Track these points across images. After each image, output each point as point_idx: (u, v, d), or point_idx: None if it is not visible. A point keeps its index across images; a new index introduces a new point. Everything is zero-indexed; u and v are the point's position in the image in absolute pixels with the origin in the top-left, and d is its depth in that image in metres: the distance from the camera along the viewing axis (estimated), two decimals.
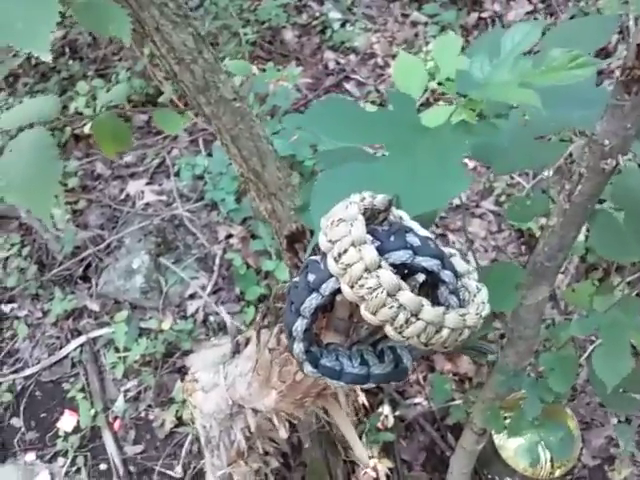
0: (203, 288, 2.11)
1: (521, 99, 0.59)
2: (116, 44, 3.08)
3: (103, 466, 1.90)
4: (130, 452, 1.91)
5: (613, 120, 0.78)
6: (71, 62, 2.92)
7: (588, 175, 0.85)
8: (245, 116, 0.85)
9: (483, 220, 2.35)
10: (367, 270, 0.34)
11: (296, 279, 0.40)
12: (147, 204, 2.34)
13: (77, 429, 1.94)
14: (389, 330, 0.35)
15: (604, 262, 2.08)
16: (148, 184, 2.42)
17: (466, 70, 0.73)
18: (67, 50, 3.11)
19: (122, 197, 2.41)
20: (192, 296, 2.13)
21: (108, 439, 1.92)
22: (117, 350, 2.03)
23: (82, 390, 2.00)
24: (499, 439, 1.71)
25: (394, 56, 2.84)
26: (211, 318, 2.09)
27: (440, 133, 0.65)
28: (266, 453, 1.60)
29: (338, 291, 0.38)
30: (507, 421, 1.38)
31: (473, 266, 0.41)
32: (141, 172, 2.49)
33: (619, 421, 1.91)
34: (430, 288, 0.38)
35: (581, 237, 2.13)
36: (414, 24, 2.93)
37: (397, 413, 1.90)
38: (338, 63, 2.85)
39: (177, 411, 1.90)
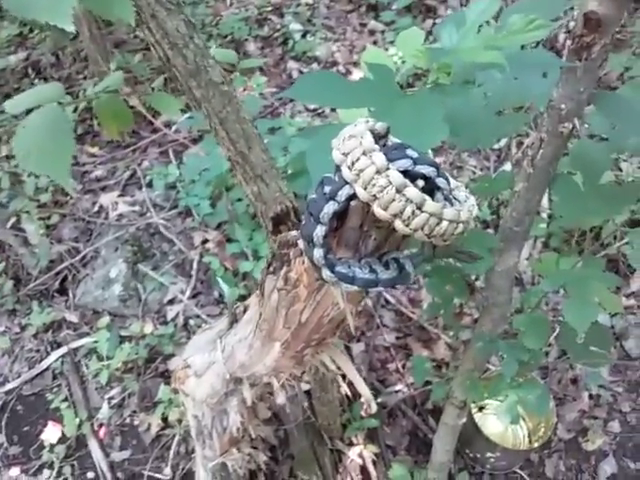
0: (182, 293, 2.14)
1: (488, 59, 0.66)
2: (80, 63, 3.12)
3: (90, 474, 1.90)
4: (117, 458, 1.92)
5: (567, 85, 0.87)
6: (36, 81, 2.94)
7: (548, 139, 0.94)
8: (232, 99, 0.92)
9: None
10: (378, 172, 0.41)
11: (312, 195, 0.46)
12: (121, 215, 2.37)
13: (62, 439, 1.94)
14: (398, 224, 0.42)
15: (566, 246, 2.19)
16: (120, 196, 2.45)
17: (435, 46, 0.81)
18: (30, 71, 3.13)
19: (95, 210, 2.43)
20: (171, 301, 2.15)
21: (94, 447, 1.92)
22: (99, 358, 2.04)
23: (65, 400, 2.00)
24: (479, 418, 1.78)
25: (355, 63, 2.95)
26: (191, 322, 2.12)
27: (418, 95, 0.73)
28: (254, 448, 1.64)
29: (352, 198, 0.44)
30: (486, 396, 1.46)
31: (461, 183, 0.48)
32: (112, 185, 2.52)
33: (590, 396, 2.01)
34: (427, 194, 0.44)
35: (543, 225, 2.25)
36: (372, 32, 3.04)
37: (379, 400, 1.96)
38: (301, 72, 2.93)
39: (163, 413, 1.91)
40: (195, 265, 2.19)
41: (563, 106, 0.88)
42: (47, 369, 2.09)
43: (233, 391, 1.19)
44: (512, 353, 1.19)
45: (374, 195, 0.41)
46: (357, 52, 3.07)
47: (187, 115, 2.56)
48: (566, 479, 1.85)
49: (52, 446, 1.93)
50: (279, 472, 1.89)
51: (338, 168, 0.44)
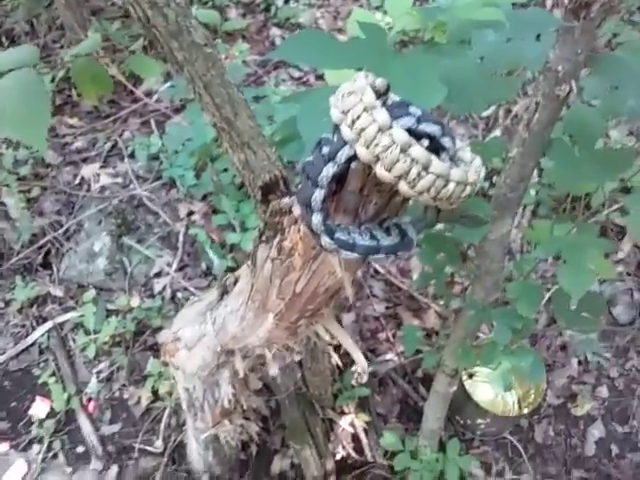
0: (169, 265, 2.11)
1: (486, 16, 0.63)
2: (56, 31, 3.02)
3: (80, 449, 1.89)
4: (107, 432, 1.91)
5: (565, 46, 0.84)
6: None
7: (544, 103, 0.92)
8: (216, 62, 0.88)
9: None
10: (380, 130, 0.38)
11: (309, 158, 0.43)
12: (103, 187, 2.32)
13: (51, 414, 1.92)
14: (403, 186, 0.39)
15: (555, 214, 2.19)
16: (102, 167, 2.39)
17: (429, 6, 0.78)
18: (4, 40, 3.02)
19: (76, 182, 2.37)
20: (158, 274, 2.12)
21: (83, 421, 1.91)
22: (86, 332, 2.01)
23: (53, 375, 1.97)
24: (470, 385, 1.79)
25: (339, 30, 2.88)
26: (179, 294, 2.09)
27: (412, 55, 0.70)
28: (246, 419, 1.63)
29: (352, 159, 0.41)
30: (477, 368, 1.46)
31: (466, 143, 0.45)
32: (94, 156, 2.46)
33: (579, 362, 2.03)
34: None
35: (532, 192, 2.24)
36: None
37: (370, 370, 1.96)
38: (284, 39, 2.86)
39: (153, 386, 1.90)
40: (181, 237, 2.16)
41: (560, 68, 0.86)
42: (33, 344, 2.06)
43: (224, 363, 1.17)
44: (505, 320, 1.18)
45: (377, 155, 0.39)
46: (342, 18, 3.00)
47: (168, 84, 2.50)
48: (555, 444, 1.88)
49: (41, 421, 1.92)
50: (271, 442, 1.89)
51: (337, 128, 0.41)
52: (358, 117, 0.39)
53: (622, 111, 1.00)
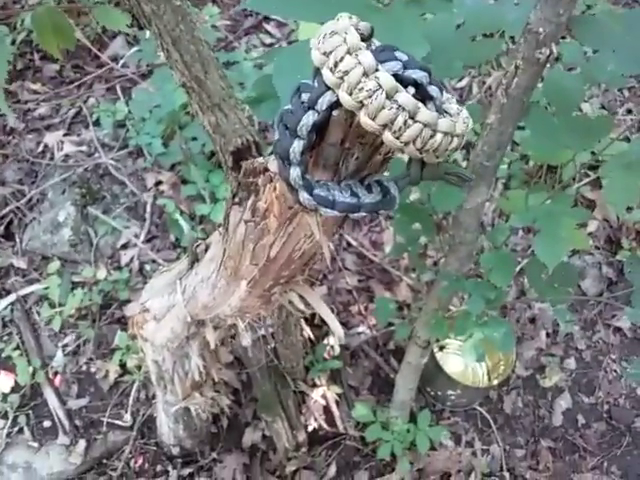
0: (136, 237, 2.06)
1: None
2: None
3: (47, 423, 1.85)
4: (74, 406, 1.87)
5: (547, 7, 0.82)
6: None
7: (524, 67, 0.89)
8: (185, 17, 0.83)
9: None
10: (365, 74, 0.35)
11: (288, 106, 0.40)
12: (67, 155, 2.23)
13: (15, 389, 1.87)
14: (387, 136, 0.36)
15: (527, 187, 2.19)
16: (66, 135, 2.30)
17: None
18: None
19: (39, 150, 2.28)
20: (125, 246, 2.07)
21: (50, 395, 1.86)
22: (51, 305, 1.95)
23: (17, 348, 1.92)
24: (441, 357, 1.80)
25: None
26: (147, 267, 2.04)
27: (394, 8, 0.66)
28: (217, 391, 1.61)
29: (334, 107, 0.38)
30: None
31: (451, 95, 0.43)
32: (57, 123, 2.37)
33: (547, 334, 2.05)
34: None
35: (504, 166, 2.23)
36: None
37: (342, 343, 1.95)
38: None
39: (120, 360, 1.86)
40: (149, 208, 2.10)
41: (541, 30, 0.83)
42: None
43: (195, 334, 1.14)
44: (478, 291, 1.17)
45: (361, 101, 0.36)
46: None
47: (135, 49, 2.41)
48: (523, 414, 1.90)
49: (5, 395, 1.87)
50: (242, 415, 1.88)
51: (318, 71, 0.38)
52: (341, 59, 0.36)
53: (601, 77, 0.99)
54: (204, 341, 1.12)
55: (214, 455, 1.80)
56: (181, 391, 1.39)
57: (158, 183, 2.15)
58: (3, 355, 1.91)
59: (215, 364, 1.40)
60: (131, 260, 2.04)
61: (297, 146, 0.39)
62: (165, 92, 1.96)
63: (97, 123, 2.30)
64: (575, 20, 0.85)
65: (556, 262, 0.93)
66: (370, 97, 0.35)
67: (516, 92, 0.91)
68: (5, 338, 1.96)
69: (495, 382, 1.79)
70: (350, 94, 0.36)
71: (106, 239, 2.06)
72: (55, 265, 1.99)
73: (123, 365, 1.89)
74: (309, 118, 0.38)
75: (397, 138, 0.36)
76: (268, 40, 2.58)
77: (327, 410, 1.86)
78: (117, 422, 1.86)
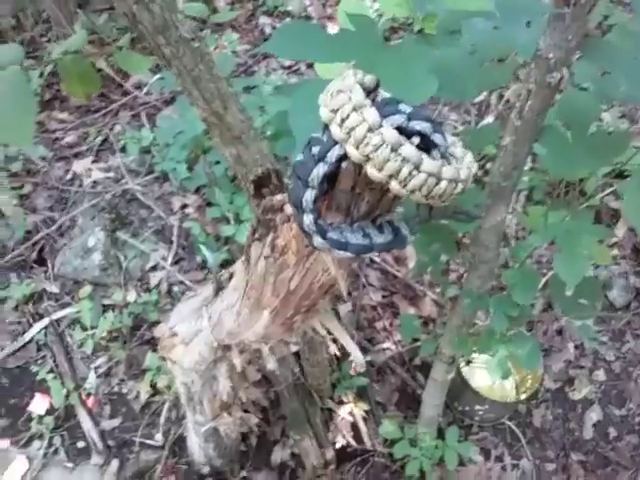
0: (164, 259, 2.11)
1: (475, 6, 0.62)
2: (42, 25, 2.98)
3: (81, 444, 1.89)
4: (107, 427, 1.91)
5: (555, 33, 0.83)
6: None
7: (536, 90, 0.91)
8: (204, 57, 0.86)
9: None
10: (370, 130, 0.37)
11: (300, 157, 0.43)
12: (95, 182, 2.30)
13: (50, 411, 1.92)
14: (394, 185, 0.39)
15: (549, 199, 2.19)
16: (94, 162, 2.37)
17: None
18: None
19: (68, 177, 2.36)
20: (154, 268, 2.12)
21: (83, 416, 1.91)
22: (83, 328, 2.01)
23: (51, 371, 1.97)
24: (467, 372, 1.80)
25: (329, 17, 2.86)
26: (175, 288, 2.09)
27: (402, 47, 0.69)
28: (245, 411, 1.64)
29: (342, 159, 0.41)
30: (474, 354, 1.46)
31: (457, 138, 0.45)
32: (85, 151, 2.44)
33: (576, 346, 2.04)
34: (423, 152, 0.41)
35: (525, 178, 2.23)
36: None
37: (368, 359, 1.97)
38: (274, 28, 2.84)
39: (151, 380, 1.90)
40: (175, 231, 2.15)
41: (551, 55, 0.85)
42: (30, 341, 2.06)
43: (221, 358, 1.17)
44: (501, 308, 1.18)
45: (367, 155, 0.38)
46: (331, 5, 2.97)
47: (158, 76, 2.47)
48: (553, 428, 1.89)
49: (40, 417, 1.92)
50: (271, 433, 1.90)
51: (326, 127, 0.40)
52: (347, 116, 0.38)
53: (615, 96, 1.00)
54: (231, 364, 1.15)
55: (244, 473, 1.83)
56: (210, 412, 1.42)
57: (184, 206, 2.20)
58: (38, 378, 1.96)
59: (243, 384, 1.42)
60: (159, 282, 2.08)
61: (309, 195, 0.42)
62: (188, 118, 2.01)
63: (123, 150, 2.37)
64: (584, 44, 0.86)
65: (577, 280, 0.93)
66: (376, 151, 0.37)
67: (529, 115, 0.93)
68: (39, 361, 2.01)
69: (523, 396, 1.78)
70: (357, 148, 0.38)
71: (135, 262, 2.12)
72: (86, 290, 2.05)
73: (154, 385, 1.93)
74: (319, 170, 0.41)
75: (403, 187, 0.39)
76: (287, 62, 2.62)
77: (355, 427, 1.87)
78: (149, 442, 1.89)
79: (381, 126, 0.38)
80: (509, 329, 1.22)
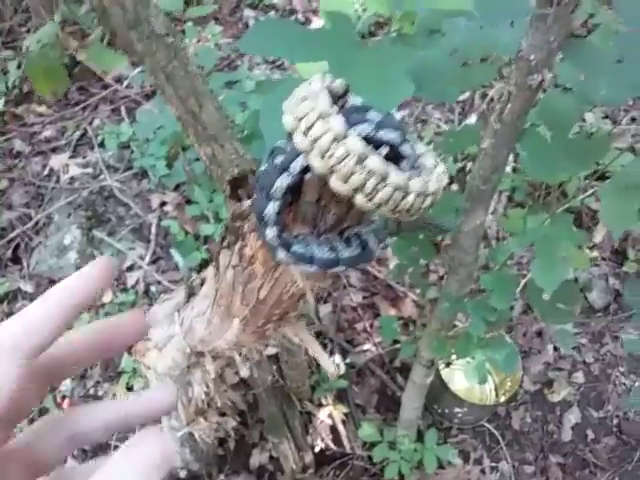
0: (141, 258, 2.07)
1: (454, 5, 0.60)
2: (22, 14, 2.92)
3: None
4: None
5: (537, 34, 0.81)
6: None
7: (516, 93, 0.89)
8: (179, 52, 0.84)
9: None
10: (335, 140, 0.35)
11: (263, 167, 0.41)
12: (72, 178, 2.25)
13: None
14: (360, 199, 0.36)
15: (531, 200, 2.18)
16: (72, 157, 2.33)
17: None
18: None
19: (45, 173, 2.31)
20: (131, 268, 2.08)
21: None
22: None
23: None
24: (446, 374, 1.79)
25: (314, 11, 2.83)
26: (152, 288, 2.05)
27: (379, 46, 0.67)
28: (223, 414, 1.61)
29: (307, 170, 0.39)
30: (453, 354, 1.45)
31: (429, 147, 0.43)
32: (63, 146, 2.39)
33: (555, 348, 2.04)
34: (392, 162, 0.39)
35: (507, 178, 2.23)
36: None
37: (348, 361, 1.95)
38: (258, 21, 2.80)
39: (127, 383, 1.87)
40: (154, 229, 2.11)
41: (532, 57, 0.83)
42: None
43: (195, 364, 1.14)
44: (479, 312, 1.17)
45: (332, 167, 0.36)
46: None
47: (139, 69, 2.43)
48: (532, 430, 1.89)
49: None
50: (249, 436, 1.87)
51: (291, 135, 0.38)
52: (312, 125, 0.36)
53: (596, 98, 0.99)
54: (205, 370, 1.12)
55: (222, 477, 1.80)
56: (185, 417, 1.39)
57: (163, 204, 2.16)
58: None
59: (221, 387, 1.40)
60: (137, 282, 2.05)
61: (272, 208, 0.39)
62: (168, 114, 1.97)
63: (102, 145, 2.32)
64: (567, 44, 0.85)
65: (554, 287, 0.92)
66: (340, 163, 0.35)
67: (509, 118, 0.91)
68: None
69: (503, 398, 1.78)
70: (321, 159, 0.36)
71: None
72: None
73: (130, 388, 1.89)
74: (282, 182, 0.38)
75: (369, 201, 0.36)
76: (272, 57, 2.59)
77: (334, 430, 1.85)
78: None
79: (346, 136, 0.35)
80: (487, 333, 1.21)
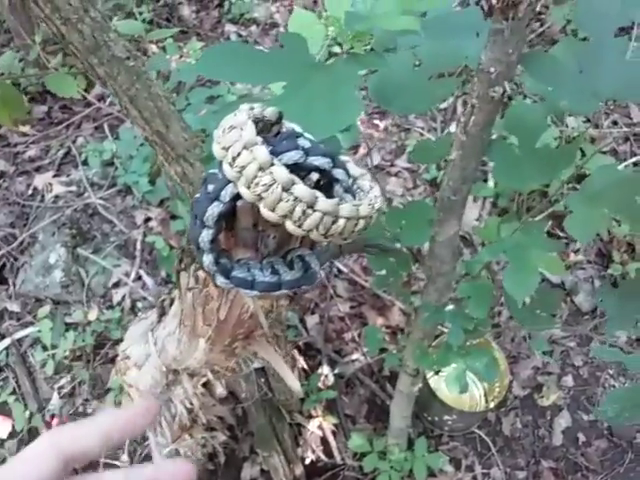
0: (127, 275, 2.07)
1: (403, 25, 0.61)
2: (4, 35, 2.93)
3: None
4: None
5: (496, 47, 0.82)
6: None
7: (479, 105, 0.90)
8: (141, 75, 0.84)
9: (399, 178, 2.41)
10: (261, 169, 0.36)
11: (197, 195, 0.41)
12: (57, 196, 2.26)
13: (13, 434, 1.87)
14: (289, 225, 0.37)
15: (515, 205, 2.19)
16: (55, 176, 2.33)
17: (352, 10, 0.76)
18: None
19: (30, 192, 2.31)
20: (116, 284, 2.08)
21: None
22: (45, 348, 1.96)
23: (13, 393, 1.92)
24: (434, 382, 1.79)
25: None
26: (139, 304, 2.05)
27: (332, 67, 0.67)
28: (212, 429, 1.60)
29: (237, 197, 0.39)
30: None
31: (365, 170, 0.43)
32: (47, 165, 2.39)
33: (544, 352, 2.04)
34: (326, 189, 0.40)
35: (491, 183, 2.24)
36: None
37: (336, 371, 1.95)
38: (240, 35, 2.82)
39: (115, 399, 1.86)
40: (139, 245, 2.11)
41: (492, 69, 0.84)
42: None
43: (174, 381, 1.14)
44: (457, 322, 1.17)
45: (259, 194, 0.36)
46: None
47: None
48: (523, 435, 1.88)
49: (2, 442, 1.87)
50: (239, 450, 1.87)
51: (221, 164, 0.38)
52: (238, 154, 0.36)
53: (562, 107, 0.99)
54: (184, 387, 1.12)
55: None
56: (170, 434, 1.39)
57: (147, 220, 2.17)
58: (0, 401, 1.92)
59: (209, 402, 1.39)
60: (123, 299, 2.04)
61: (206, 235, 0.40)
62: None
63: (86, 163, 2.33)
64: (526, 57, 0.85)
65: (525, 296, 0.93)
66: (267, 191, 0.36)
67: (475, 130, 0.92)
68: (0, 383, 1.96)
69: (492, 404, 1.78)
70: (248, 188, 0.36)
71: (97, 279, 2.07)
72: (46, 309, 2.00)
73: (118, 404, 1.89)
74: (214, 210, 0.39)
75: (299, 227, 0.37)
76: None
77: (324, 441, 1.85)
78: (115, 462, 1.85)
79: (272, 165, 0.36)
80: (467, 341, 1.21)
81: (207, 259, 0.41)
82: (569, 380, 1.97)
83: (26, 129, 2.52)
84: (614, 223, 2.07)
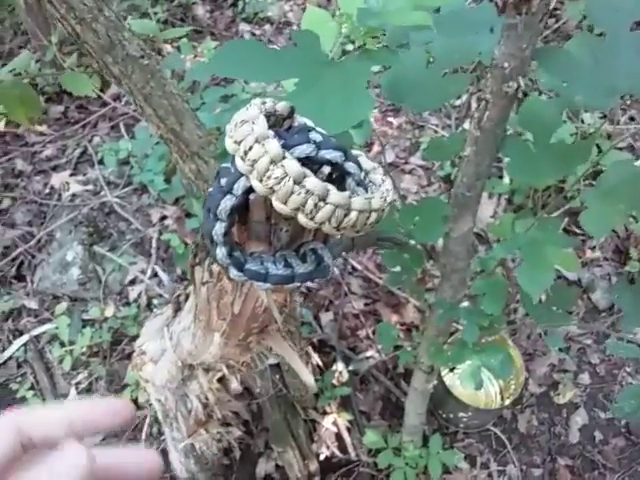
0: (143, 272, 2.09)
1: (415, 21, 0.61)
2: (22, 37, 2.96)
3: None
4: (88, 443, 1.89)
5: (509, 42, 0.82)
6: None
7: (493, 100, 0.90)
8: (155, 74, 0.85)
9: (413, 175, 2.41)
10: (273, 162, 0.36)
11: (210, 189, 0.42)
12: (74, 195, 2.28)
13: None
14: (301, 218, 0.37)
15: (531, 202, 2.18)
16: (72, 175, 2.36)
17: (365, 6, 0.76)
18: None
19: (47, 191, 2.34)
20: (133, 282, 2.10)
21: None
22: (62, 344, 1.99)
23: (32, 388, 1.95)
24: (449, 379, 1.78)
25: None
26: (155, 301, 2.07)
27: (345, 63, 0.68)
28: (227, 424, 1.62)
29: (250, 191, 0.40)
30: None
31: (378, 164, 0.43)
32: (64, 164, 2.42)
33: (560, 349, 2.02)
34: (338, 182, 0.40)
35: (506, 179, 2.22)
36: None
37: (350, 368, 1.95)
38: (254, 34, 2.83)
39: (132, 395, 1.88)
40: (154, 243, 2.13)
41: (506, 65, 0.83)
42: (10, 358, 2.03)
43: (189, 376, 1.15)
44: (472, 319, 1.17)
45: (271, 188, 0.37)
46: None
47: None
48: (539, 433, 1.87)
49: None
50: (255, 445, 1.88)
51: (233, 158, 0.39)
52: (250, 148, 0.37)
53: (577, 103, 0.99)
54: (200, 382, 1.13)
55: None
56: (185, 428, 1.40)
57: (163, 218, 2.19)
58: (18, 396, 1.94)
59: (224, 397, 1.40)
60: (139, 295, 2.06)
61: (219, 228, 0.40)
62: None
63: (102, 162, 2.35)
64: (540, 52, 0.85)
65: (539, 292, 0.92)
66: (279, 184, 0.36)
67: (488, 125, 0.92)
68: (19, 379, 1.99)
69: (508, 402, 1.77)
70: (260, 181, 0.37)
71: (114, 276, 2.10)
72: (63, 305, 2.02)
73: (135, 400, 1.91)
74: (227, 203, 0.39)
75: (311, 219, 0.37)
76: None
77: (339, 437, 1.85)
78: None
79: (284, 158, 0.36)
80: (482, 338, 1.20)
81: (220, 252, 0.42)
82: (586, 378, 1.95)
83: (43, 129, 2.55)
84: (631, 220, 2.06)
